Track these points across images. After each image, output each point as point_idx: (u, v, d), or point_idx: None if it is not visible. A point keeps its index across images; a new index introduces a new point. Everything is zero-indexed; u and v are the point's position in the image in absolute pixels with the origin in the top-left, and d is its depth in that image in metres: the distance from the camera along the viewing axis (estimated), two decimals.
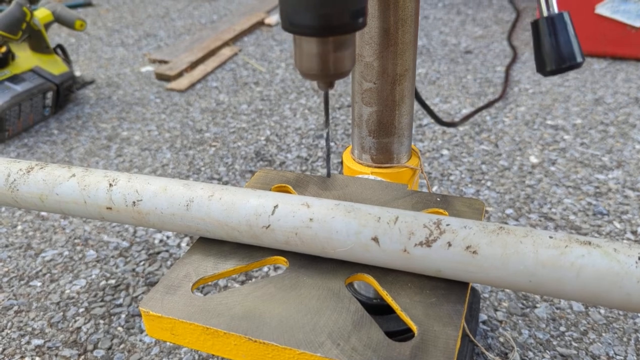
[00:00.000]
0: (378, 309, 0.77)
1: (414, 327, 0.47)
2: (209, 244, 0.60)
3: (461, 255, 0.48)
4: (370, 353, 0.45)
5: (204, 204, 0.57)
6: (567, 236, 0.47)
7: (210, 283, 1.07)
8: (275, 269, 1.11)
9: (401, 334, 0.74)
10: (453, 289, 0.51)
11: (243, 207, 0.55)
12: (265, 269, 1.11)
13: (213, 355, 0.92)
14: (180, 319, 0.50)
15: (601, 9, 2.03)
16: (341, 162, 0.80)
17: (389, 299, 0.51)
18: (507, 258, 0.47)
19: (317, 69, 0.44)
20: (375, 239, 0.51)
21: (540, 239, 0.47)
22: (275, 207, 0.54)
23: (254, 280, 1.08)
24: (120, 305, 1.03)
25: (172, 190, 0.59)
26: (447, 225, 0.50)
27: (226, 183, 1.42)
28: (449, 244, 0.49)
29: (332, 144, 1.60)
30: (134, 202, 0.59)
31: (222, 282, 1.08)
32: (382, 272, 0.54)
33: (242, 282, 1.08)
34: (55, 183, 0.62)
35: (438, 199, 0.63)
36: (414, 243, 0.50)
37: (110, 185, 0.60)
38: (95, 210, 0.62)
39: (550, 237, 0.47)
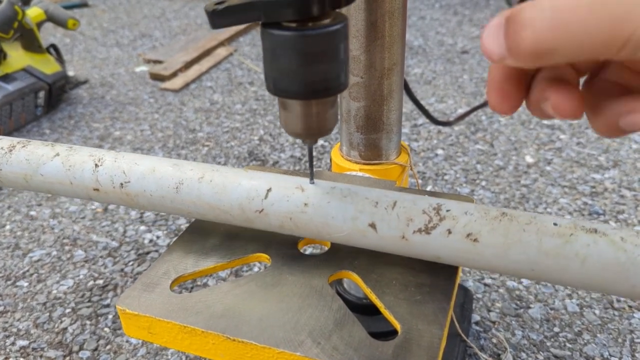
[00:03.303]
0: (368, 310, 0.75)
1: (398, 326, 0.46)
2: (190, 240, 0.59)
3: (461, 243, 0.46)
4: (352, 352, 0.43)
5: (194, 186, 0.54)
6: (572, 223, 0.45)
7: (199, 284, 1.05)
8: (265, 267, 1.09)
9: (392, 334, 0.73)
10: (439, 287, 0.50)
11: (234, 190, 0.53)
12: (256, 268, 1.10)
13: (200, 356, 0.91)
14: (158, 317, 0.49)
15: None
16: (330, 160, 0.79)
17: (373, 297, 0.49)
18: (509, 247, 0.45)
19: (301, 128, 0.45)
20: (373, 225, 0.49)
21: (544, 226, 0.45)
22: (269, 190, 0.52)
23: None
24: (107, 305, 1.02)
25: (160, 171, 0.56)
26: (447, 211, 0.48)
27: None
28: (449, 232, 0.46)
29: (325, 143, 1.59)
30: (121, 184, 0.56)
31: (211, 282, 1.06)
32: (366, 270, 0.53)
33: None
34: (39, 163, 0.59)
35: (426, 196, 0.62)
36: (413, 230, 0.47)
37: (96, 165, 0.57)
38: (82, 191, 0.59)
39: (555, 224, 0.45)
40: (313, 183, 0.52)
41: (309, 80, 0.41)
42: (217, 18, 0.40)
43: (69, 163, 0.58)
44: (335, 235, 0.50)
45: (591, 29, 0.23)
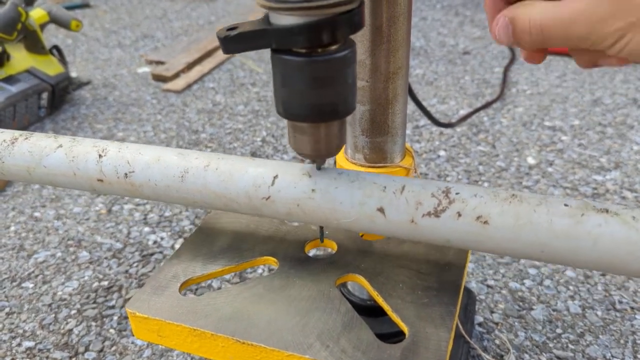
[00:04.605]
0: (372, 311, 0.76)
1: (405, 329, 0.46)
2: (198, 243, 0.59)
3: (471, 225, 0.46)
4: (360, 355, 0.44)
5: (199, 175, 0.54)
6: (583, 204, 0.44)
7: (203, 285, 1.06)
8: (270, 269, 1.10)
9: (396, 335, 0.73)
10: (445, 290, 0.50)
11: (241, 178, 0.52)
12: (260, 270, 1.10)
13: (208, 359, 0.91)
14: (167, 320, 0.49)
15: None
16: (334, 162, 0.79)
17: (380, 300, 0.50)
18: (520, 229, 0.44)
19: (309, 149, 0.47)
20: (381, 210, 0.48)
21: (554, 207, 0.44)
22: (275, 177, 0.51)
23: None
24: (112, 307, 1.02)
25: (165, 160, 0.55)
26: (457, 194, 0.47)
27: None
28: (459, 214, 0.46)
29: None
30: (125, 174, 0.56)
31: (215, 284, 1.07)
32: (373, 273, 0.53)
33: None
34: (42, 155, 0.59)
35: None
36: (422, 213, 0.47)
37: (100, 156, 0.57)
38: (86, 183, 0.58)
39: (566, 205, 0.44)
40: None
41: (317, 103, 0.42)
42: (230, 44, 0.41)
43: (72, 154, 0.58)
44: (343, 220, 0.50)
45: (572, 37, 0.35)
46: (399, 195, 0.48)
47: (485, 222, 0.45)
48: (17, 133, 0.61)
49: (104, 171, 0.57)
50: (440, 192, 0.48)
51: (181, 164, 0.55)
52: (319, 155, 0.47)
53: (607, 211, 0.43)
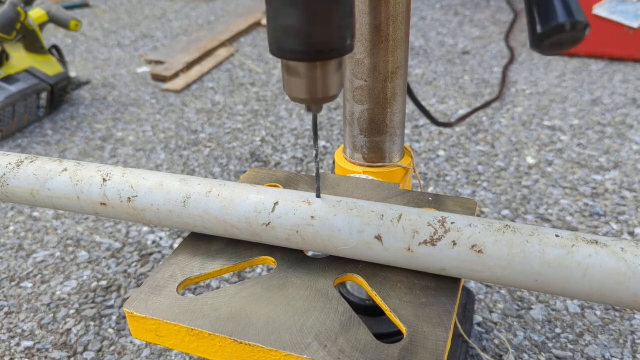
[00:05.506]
0: (371, 311, 0.76)
1: (403, 329, 0.46)
2: (196, 243, 0.59)
3: (466, 254, 0.47)
4: (358, 355, 0.44)
5: (201, 200, 0.55)
6: (573, 235, 0.46)
7: (202, 284, 1.06)
8: (269, 269, 1.10)
9: (394, 335, 0.73)
10: (444, 290, 0.50)
11: (242, 204, 0.54)
12: (259, 270, 1.10)
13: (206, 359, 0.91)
14: (165, 320, 0.49)
15: (599, 10, 2.03)
16: (333, 162, 0.79)
17: (379, 300, 0.50)
18: (513, 258, 0.46)
19: (305, 93, 0.44)
20: (379, 238, 0.50)
21: (546, 238, 0.46)
22: (276, 204, 0.53)
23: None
24: (111, 306, 1.02)
25: (168, 186, 0.57)
26: (452, 223, 0.49)
27: None
28: (454, 243, 0.48)
29: (327, 144, 1.59)
30: (129, 198, 0.57)
31: (214, 284, 1.07)
32: (372, 273, 0.53)
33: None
34: (47, 178, 0.60)
35: (430, 199, 0.62)
36: (419, 242, 0.49)
37: (104, 180, 0.58)
38: (89, 206, 0.60)
39: (557, 236, 0.46)
40: (317, 151, 0.52)
41: (312, 40, 0.39)
42: None
43: (77, 178, 0.59)
44: (341, 248, 0.51)
45: None
46: (397, 223, 0.49)
47: (480, 251, 0.47)
48: (23, 156, 0.63)
49: (107, 195, 0.58)
50: (436, 221, 0.49)
51: (184, 189, 0.56)
52: (314, 100, 0.44)
53: (597, 243, 0.45)
